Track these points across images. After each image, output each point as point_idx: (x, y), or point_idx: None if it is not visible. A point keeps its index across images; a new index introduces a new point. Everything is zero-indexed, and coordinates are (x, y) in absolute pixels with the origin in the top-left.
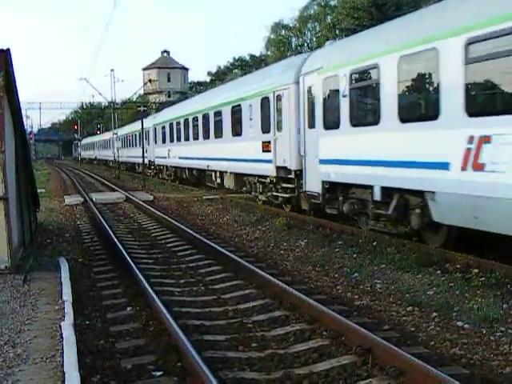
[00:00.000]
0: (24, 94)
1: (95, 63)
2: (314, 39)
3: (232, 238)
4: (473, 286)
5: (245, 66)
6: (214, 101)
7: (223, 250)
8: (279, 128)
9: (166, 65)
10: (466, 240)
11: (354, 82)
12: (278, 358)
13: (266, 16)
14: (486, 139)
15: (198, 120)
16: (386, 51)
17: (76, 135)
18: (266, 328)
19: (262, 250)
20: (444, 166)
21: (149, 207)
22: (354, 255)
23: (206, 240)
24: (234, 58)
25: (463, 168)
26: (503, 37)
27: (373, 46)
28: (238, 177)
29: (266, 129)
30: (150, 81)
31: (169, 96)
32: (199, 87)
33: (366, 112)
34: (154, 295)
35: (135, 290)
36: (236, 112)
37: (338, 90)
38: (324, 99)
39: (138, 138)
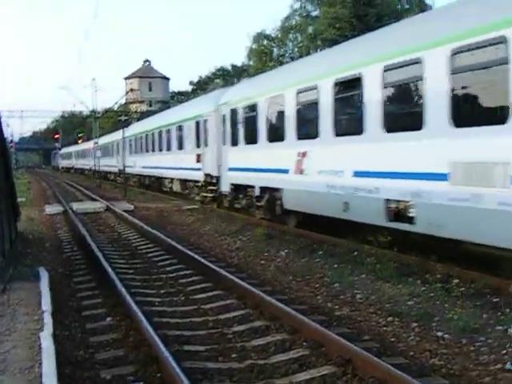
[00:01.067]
0: (4, 102)
1: (76, 72)
2: (296, 49)
3: (213, 248)
4: (453, 296)
5: (227, 75)
6: (166, 120)
7: (203, 261)
8: (206, 144)
9: (147, 74)
10: (446, 252)
11: (245, 113)
12: (258, 368)
13: (249, 26)
14: (304, 153)
15: (154, 135)
16: (261, 94)
17: (57, 144)
18: (246, 338)
19: (243, 260)
20: (287, 171)
21: (129, 217)
22: (335, 265)
23: (186, 250)
24: (216, 68)
25: (295, 171)
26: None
27: (254, 92)
28: (182, 182)
29: (198, 144)
30: (131, 90)
31: (150, 105)
32: (180, 97)
33: (252, 134)
34: (134, 305)
35: (115, 300)
36: (180, 130)
37: (237, 119)
38: (231, 124)
39: (114, 147)
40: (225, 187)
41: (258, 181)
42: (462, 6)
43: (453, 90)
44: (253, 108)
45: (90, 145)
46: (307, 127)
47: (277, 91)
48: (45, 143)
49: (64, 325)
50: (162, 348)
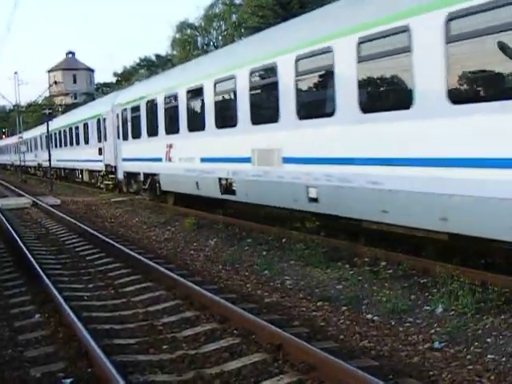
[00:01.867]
0: None
1: None
2: (220, 38)
3: (141, 239)
4: (381, 278)
5: (151, 66)
6: (74, 118)
7: (132, 253)
8: (105, 139)
9: (71, 66)
10: (373, 235)
11: (132, 113)
12: (189, 358)
13: (172, 15)
14: (171, 145)
15: (66, 132)
16: (141, 97)
17: None
18: (176, 329)
19: (172, 251)
20: (161, 159)
21: (57, 212)
22: (264, 252)
23: (114, 243)
24: (140, 58)
25: (166, 159)
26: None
27: (137, 95)
28: (90, 172)
29: (99, 139)
30: (55, 82)
31: (75, 97)
32: (106, 88)
33: (137, 130)
34: (62, 301)
35: (43, 297)
36: (86, 127)
37: (126, 118)
38: (122, 122)
39: (33, 143)
40: (120, 175)
41: (142, 168)
42: None
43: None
44: (137, 108)
45: (13, 140)
46: (172, 125)
47: (153, 96)
48: None
49: None
50: (92, 343)
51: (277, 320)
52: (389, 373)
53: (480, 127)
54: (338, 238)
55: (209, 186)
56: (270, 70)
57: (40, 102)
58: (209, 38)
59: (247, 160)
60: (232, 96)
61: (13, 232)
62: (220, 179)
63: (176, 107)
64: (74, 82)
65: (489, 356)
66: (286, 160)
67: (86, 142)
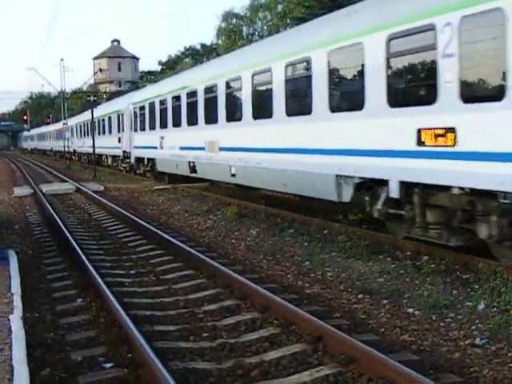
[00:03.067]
0: None
1: (44, 52)
2: (265, 28)
3: (183, 227)
4: (423, 273)
5: (196, 55)
6: (102, 112)
7: (174, 240)
8: (123, 130)
9: (116, 54)
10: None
11: (140, 110)
12: (228, 347)
13: (218, 5)
14: (163, 137)
15: (94, 124)
16: (144, 100)
17: (26, 125)
18: (216, 317)
19: (213, 240)
20: (156, 147)
21: (99, 198)
22: (305, 243)
23: (156, 230)
24: (185, 47)
25: (160, 148)
26: None
27: (142, 97)
28: (112, 157)
29: (119, 130)
30: (100, 70)
31: (119, 85)
32: (150, 76)
33: (143, 124)
34: (104, 286)
35: (85, 282)
36: (110, 120)
37: (137, 114)
38: (134, 117)
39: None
40: (133, 160)
41: (146, 154)
42: None
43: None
44: (143, 107)
45: (56, 126)
46: (163, 122)
47: (152, 99)
48: (13, 125)
49: (34, 307)
50: (133, 328)
51: (317, 311)
52: (429, 368)
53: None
54: (381, 231)
55: (182, 167)
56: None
57: (85, 89)
58: (254, 27)
59: (203, 148)
60: (197, 100)
61: (56, 217)
62: (189, 162)
63: (166, 109)
64: (119, 69)
65: None
66: (221, 149)
67: (110, 132)
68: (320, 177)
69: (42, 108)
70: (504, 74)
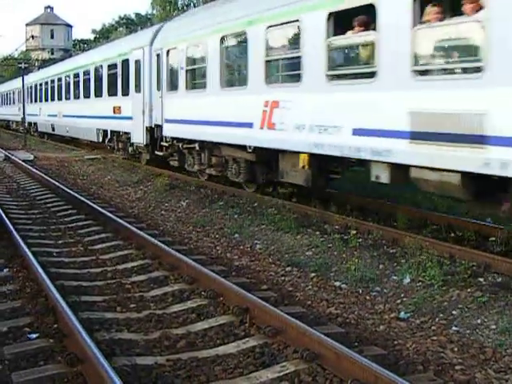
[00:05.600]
0: None
1: None
2: None
3: (113, 198)
4: (351, 247)
5: (130, 24)
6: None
7: (103, 211)
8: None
9: (49, 21)
10: (344, 203)
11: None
12: (156, 318)
13: None
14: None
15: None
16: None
17: None
18: (144, 289)
19: (143, 211)
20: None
21: (29, 167)
22: (235, 216)
23: (86, 200)
24: (120, 17)
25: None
26: None
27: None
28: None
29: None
30: (32, 37)
31: (52, 53)
32: (83, 45)
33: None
34: (31, 256)
35: (12, 252)
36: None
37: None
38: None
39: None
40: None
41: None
42: None
43: None
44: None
45: None
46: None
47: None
48: None
49: None
50: (59, 298)
51: (245, 283)
52: (354, 340)
53: None
54: (310, 204)
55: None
56: None
57: (16, 56)
58: None
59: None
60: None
61: None
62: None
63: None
64: (52, 37)
65: (453, 328)
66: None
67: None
68: None
69: None
70: None
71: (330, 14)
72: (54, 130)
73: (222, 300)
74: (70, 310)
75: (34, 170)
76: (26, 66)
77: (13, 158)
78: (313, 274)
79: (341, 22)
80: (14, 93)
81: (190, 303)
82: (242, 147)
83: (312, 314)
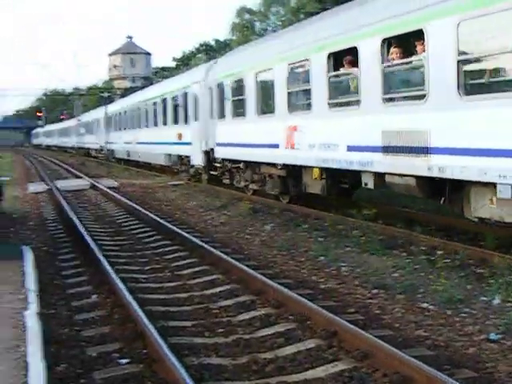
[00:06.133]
0: None
1: (59, 49)
2: (279, 23)
3: (197, 223)
4: (437, 267)
5: (210, 50)
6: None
7: (188, 236)
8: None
9: (129, 50)
10: (430, 224)
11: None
12: (243, 343)
13: (231, 0)
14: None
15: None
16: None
17: (40, 122)
18: (231, 313)
19: (228, 235)
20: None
21: (114, 194)
22: (320, 238)
23: (171, 226)
24: (200, 43)
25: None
26: None
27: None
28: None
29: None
30: (114, 66)
31: (133, 81)
32: (163, 72)
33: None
34: (118, 282)
35: (100, 278)
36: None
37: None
38: None
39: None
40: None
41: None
42: None
43: None
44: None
45: (72, 122)
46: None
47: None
48: (28, 122)
49: (49, 303)
50: (148, 324)
51: (332, 306)
52: (444, 363)
53: None
54: (395, 225)
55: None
56: None
57: (100, 85)
58: (267, 23)
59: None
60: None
61: (71, 213)
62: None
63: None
64: (132, 66)
65: None
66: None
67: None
68: None
69: (57, 105)
70: None
71: (330, 54)
72: (128, 155)
73: (310, 324)
74: (158, 335)
75: (119, 196)
76: (109, 94)
77: (98, 185)
78: (400, 296)
79: (336, 60)
80: (92, 123)
81: (277, 327)
82: (274, 164)
83: (400, 337)
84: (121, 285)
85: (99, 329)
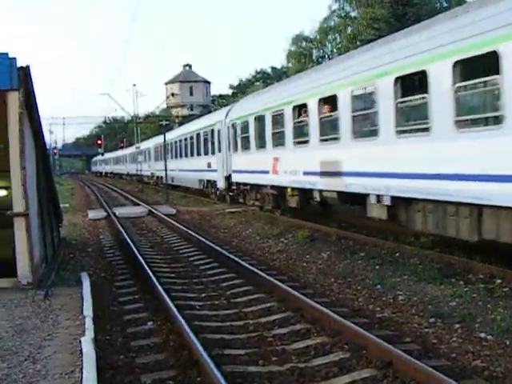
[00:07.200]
0: (48, 109)
1: (118, 78)
2: (335, 50)
3: (254, 250)
4: (496, 296)
5: (266, 78)
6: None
7: (245, 264)
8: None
9: (187, 78)
10: (489, 252)
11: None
12: (298, 371)
13: (288, 28)
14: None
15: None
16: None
17: (100, 150)
18: (286, 341)
19: (285, 263)
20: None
21: (171, 221)
22: (377, 267)
23: (227, 253)
24: (256, 71)
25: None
26: None
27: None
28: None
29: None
30: (172, 94)
31: (191, 109)
32: (221, 100)
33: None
34: (174, 309)
35: (156, 305)
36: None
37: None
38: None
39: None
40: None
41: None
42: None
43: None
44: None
45: (128, 151)
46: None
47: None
48: (88, 149)
49: (105, 329)
50: (202, 352)
51: (388, 336)
52: None
53: None
54: (453, 253)
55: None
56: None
57: (157, 113)
58: (324, 50)
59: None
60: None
61: (129, 240)
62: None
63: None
64: (191, 94)
65: None
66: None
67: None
68: None
69: (116, 132)
70: None
71: (295, 107)
72: (173, 181)
73: (365, 353)
74: (213, 364)
75: (177, 223)
76: (167, 122)
77: (156, 212)
78: (457, 325)
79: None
80: (144, 152)
81: (332, 356)
82: (266, 186)
83: (457, 368)
84: (176, 312)
85: (154, 356)
